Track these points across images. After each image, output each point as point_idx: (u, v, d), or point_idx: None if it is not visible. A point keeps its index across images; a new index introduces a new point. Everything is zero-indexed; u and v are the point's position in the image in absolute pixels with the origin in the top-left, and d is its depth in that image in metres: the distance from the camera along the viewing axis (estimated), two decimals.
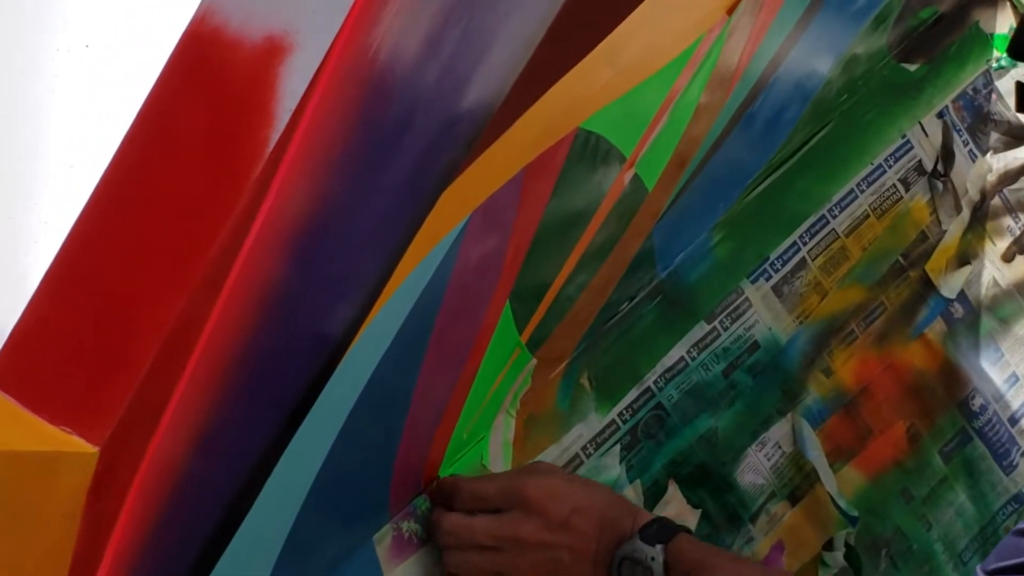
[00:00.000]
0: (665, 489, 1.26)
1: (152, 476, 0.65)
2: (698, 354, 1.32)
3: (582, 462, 1.20)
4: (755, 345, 1.37)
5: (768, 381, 1.37)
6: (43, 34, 0.76)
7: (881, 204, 1.51)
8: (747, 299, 1.38)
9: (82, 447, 0.61)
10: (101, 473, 0.62)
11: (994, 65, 1.65)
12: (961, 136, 1.61)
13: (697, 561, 1.01)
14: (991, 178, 1.62)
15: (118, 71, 0.73)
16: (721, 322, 1.35)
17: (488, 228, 0.87)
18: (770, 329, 1.39)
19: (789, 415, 1.38)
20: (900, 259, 1.52)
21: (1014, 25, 1.64)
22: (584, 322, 1.17)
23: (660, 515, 1.05)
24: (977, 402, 1.55)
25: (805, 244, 1.44)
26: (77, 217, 0.62)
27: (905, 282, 1.52)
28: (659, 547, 1.00)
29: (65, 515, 0.62)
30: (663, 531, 1.02)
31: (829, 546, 1.39)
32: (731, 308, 1.36)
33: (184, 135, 0.61)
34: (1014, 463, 1.57)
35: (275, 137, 0.60)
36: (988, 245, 1.62)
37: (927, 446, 1.51)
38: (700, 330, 1.33)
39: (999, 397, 1.57)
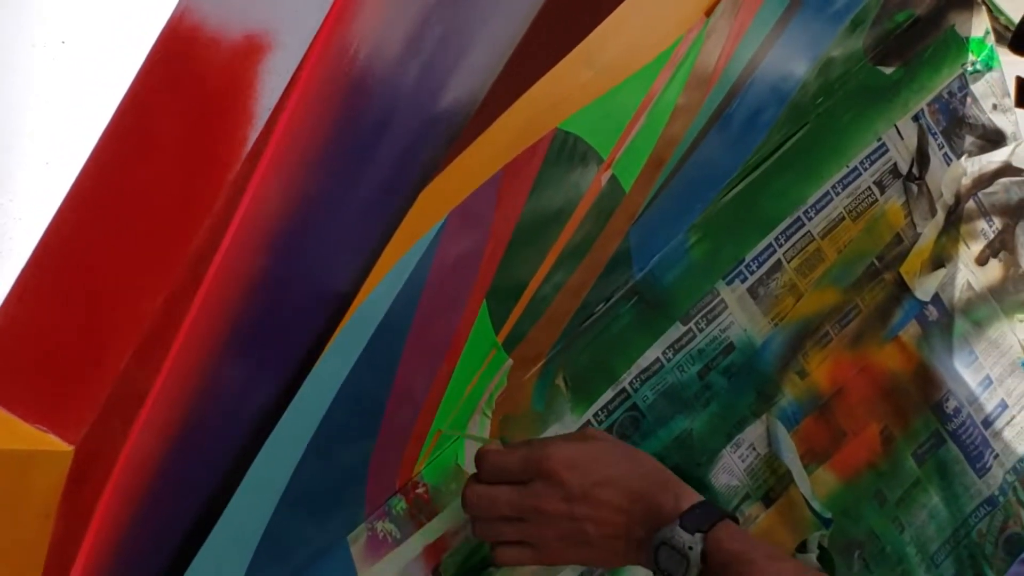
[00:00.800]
0: None
1: (127, 475, 0.65)
2: (673, 355, 1.32)
3: None
4: (730, 347, 1.37)
5: (743, 383, 1.37)
6: (18, 30, 0.76)
7: (856, 206, 1.52)
8: (722, 300, 1.38)
9: (57, 445, 0.61)
10: (76, 472, 0.62)
11: (969, 69, 1.65)
12: (936, 139, 1.61)
13: (736, 554, 0.97)
14: (966, 181, 1.63)
15: (95, 68, 0.73)
16: (696, 323, 1.35)
17: (465, 228, 0.87)
18: (745, 331, 1.39)
19: (764, 417, 1.38)
20: (875, 261, 1.53)
21: (989, 29, 1.65)
22: (560, 323, 1.17)
23: (704, 499, 1.01)
24: (951, 404, 1.56)
25: (781, 246, 1.44)
26: (53, 215, 0.62)
27: (880, 284, 1.53)
28: (698, 536, 0.97)
29: (39, 513, 0.62)
30: (705, 518, 0.98)
31: (803, 548, 1.39)
32: (707, 309, 1.36)
33: (162, 133, 0.61)
34: (987, 466, 1.57)
35: (254, 136, 0.60)
36: (962, 248, 1.63)
37: (901, 448, 1.51)
38: (676, 331, 1.33)
39: (973, 400, 1.58)
